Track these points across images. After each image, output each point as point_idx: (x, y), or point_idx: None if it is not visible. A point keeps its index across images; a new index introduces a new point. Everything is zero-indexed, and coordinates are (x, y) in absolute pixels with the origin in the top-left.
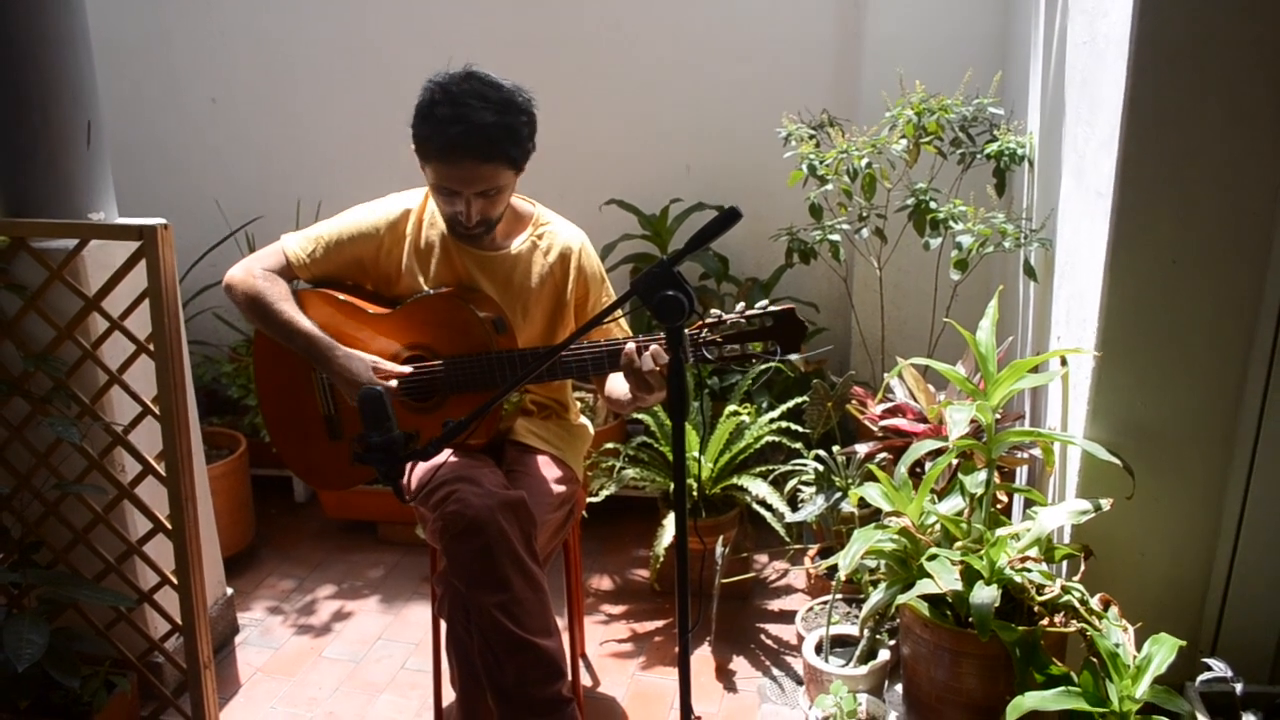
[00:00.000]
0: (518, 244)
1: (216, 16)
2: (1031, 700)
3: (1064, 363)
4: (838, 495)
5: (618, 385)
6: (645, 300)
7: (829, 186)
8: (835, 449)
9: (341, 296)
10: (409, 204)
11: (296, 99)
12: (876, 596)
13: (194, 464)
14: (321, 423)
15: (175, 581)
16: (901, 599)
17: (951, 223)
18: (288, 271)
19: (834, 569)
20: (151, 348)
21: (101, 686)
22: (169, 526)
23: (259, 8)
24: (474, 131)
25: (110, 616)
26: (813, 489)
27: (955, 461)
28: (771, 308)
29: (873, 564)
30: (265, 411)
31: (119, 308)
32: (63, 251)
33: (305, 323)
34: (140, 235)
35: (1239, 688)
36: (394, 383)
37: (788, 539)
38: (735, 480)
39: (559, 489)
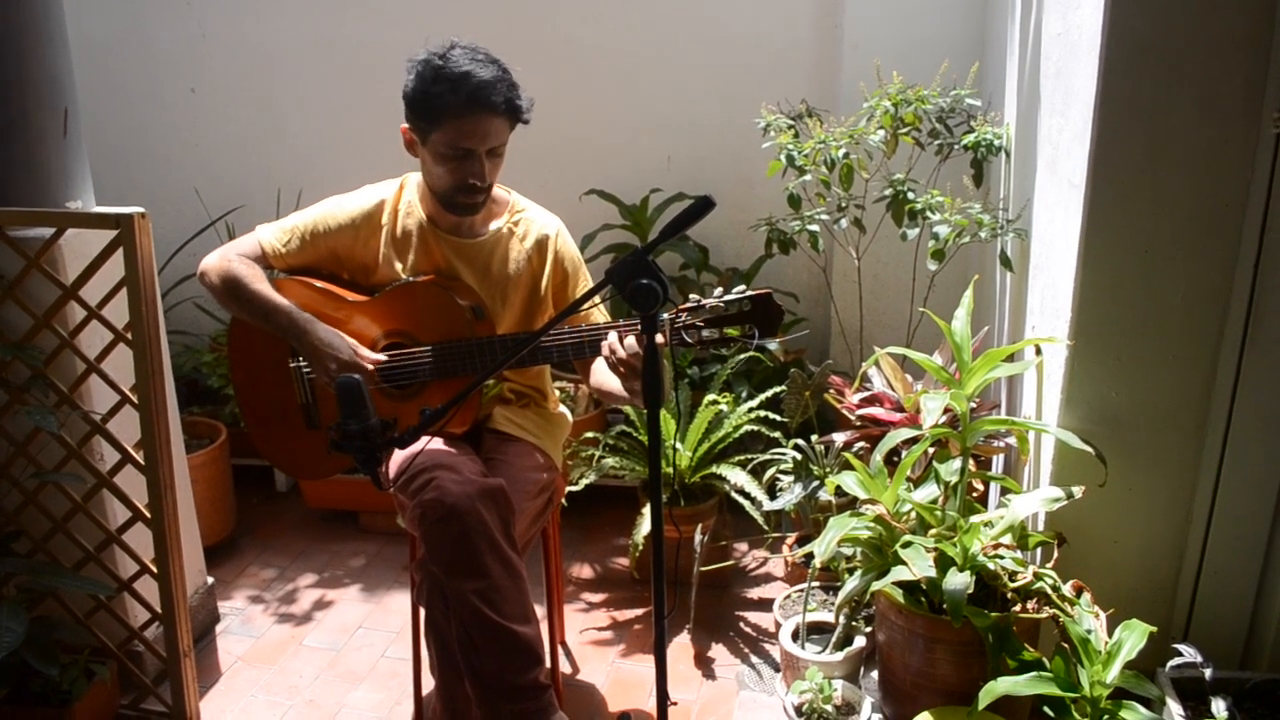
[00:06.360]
0: (494, 230)
1: (196, 9)
2: (1004, 685)
3: (1038, 352)
4: (815, 484)
5: (608, 378)
6: (620, 289)
7: (807, 177)
8: (813, 438)
9: (319, 284)
10: (383, 194)
11: (276, 89)
12: (852, 583)
13: (173, 452)
14: (298, 411)
15: (155, 570)
16: (876, 586)
17: (929, 213)
18: (263, 262)
19: (811, 556)
20: (130, 336)
21: (81, 675)
22: (148, 515)
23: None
24: (490, 83)
25: (90, 605)
26: (791, 478)
27: (931, 450)
28: (749, 292)
29: (849, 551)
30: (241, 400)
31: (97, 296)
32: (40, 240)
33: (282, 300)
34: (117, 224)
35: (1208, 673)
36: (371, 367)
37: (766, 527)
38: (714, 469)
39: (538, 477)
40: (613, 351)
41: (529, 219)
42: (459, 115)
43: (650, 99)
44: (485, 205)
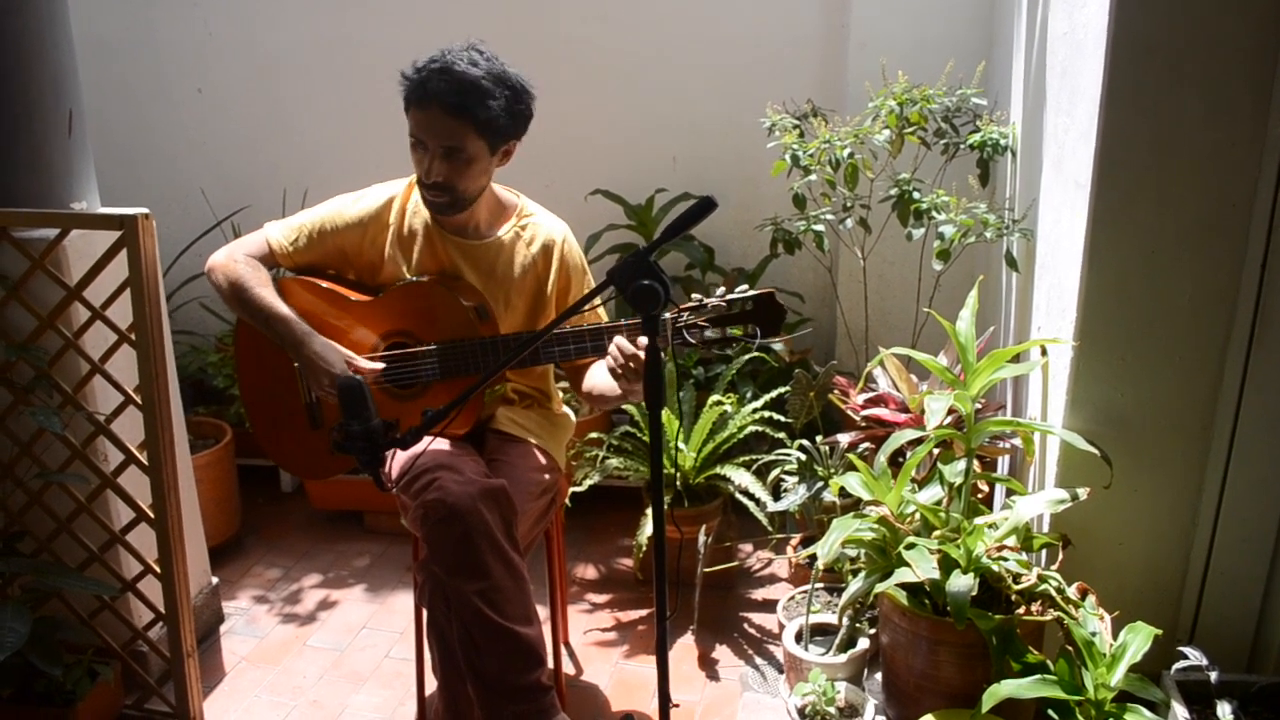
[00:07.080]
0: (501, 234)
1: (202, 9)
2: (1008, 688)
3: (1044, 352)
4: (820, 485)
5: (600, 381)
6: (621, 289)
7: (813, 177)
8: (818, 439)
9: (324, 284)
10: (392, 192)
11: (282, 89)
12: (855, 585)
13: (176, 453)
14: (302, 411)
15: (158, 570)
16: (880, 588)
17: (934, 213)
18: (270, 259)
19: (815, 558)
20: (133, 337)
21: (84, 675)
22: (152, 515)
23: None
24: (450, 80)
25: (94, 605)
26: (795, 479)
27: (936, 451)
28: (751, 292)
29: (853, 553)
30: (246, 399)
31: (101, 297)
32: (44, 241)
33: (283, 308)
34: (121, 225)
35: (1214, 676)
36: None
37: (770, 528)
38: (719, 470)
39: (540, 478)
40: (621, 350)
41: (536, 224)
42: (414, 101)
43: (655, 99)
44: (456, 208)
